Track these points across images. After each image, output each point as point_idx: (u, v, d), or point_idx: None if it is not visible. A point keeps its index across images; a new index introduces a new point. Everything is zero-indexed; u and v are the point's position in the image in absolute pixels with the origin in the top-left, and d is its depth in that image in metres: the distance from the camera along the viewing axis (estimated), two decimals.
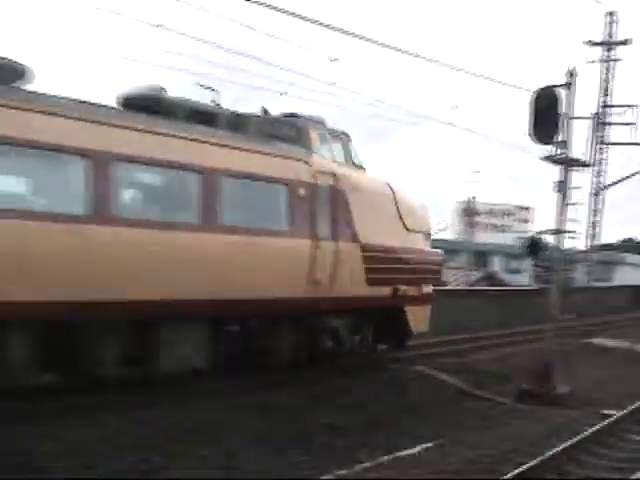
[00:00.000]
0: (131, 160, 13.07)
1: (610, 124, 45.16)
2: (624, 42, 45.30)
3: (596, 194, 45.03)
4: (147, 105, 14.34)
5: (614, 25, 45.31)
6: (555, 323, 17.74)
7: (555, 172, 17.85)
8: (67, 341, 12.73)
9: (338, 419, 13.72)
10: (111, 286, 12.43)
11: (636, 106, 44.40)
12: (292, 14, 15.48)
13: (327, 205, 16.61)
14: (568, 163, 17.95)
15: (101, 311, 12.49)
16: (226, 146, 14.80)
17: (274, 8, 14.89)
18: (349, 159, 18.18)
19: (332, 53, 21.78)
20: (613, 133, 45.93)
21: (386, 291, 18.09)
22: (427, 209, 21.11)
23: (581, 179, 18.33)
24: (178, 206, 14.31)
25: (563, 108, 17.53)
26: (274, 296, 15.23)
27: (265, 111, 17.47)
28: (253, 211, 15.51)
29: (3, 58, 12.56)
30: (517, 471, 11.01)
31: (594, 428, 14.13)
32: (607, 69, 46.03)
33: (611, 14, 45.08)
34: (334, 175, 16.95)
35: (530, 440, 13.48)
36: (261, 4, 14.71)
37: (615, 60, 45.64)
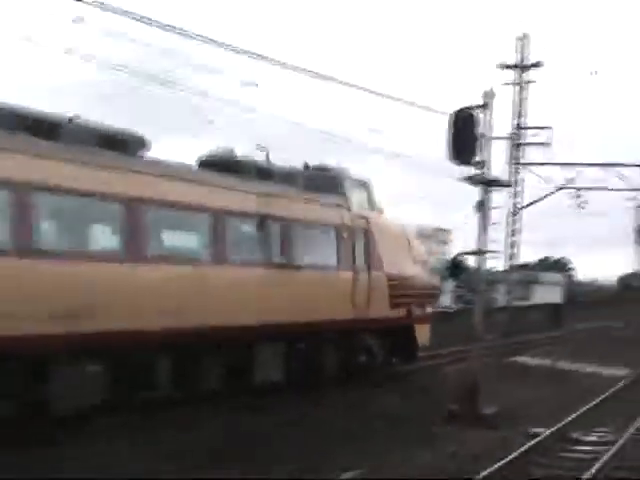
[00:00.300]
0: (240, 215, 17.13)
1: (525, 145, 45.79)
2: (536, 64, 46.08)
3: (514, 214, 45.51)
4: (227, 166, 17.49)
5: (526, 48, 46.07)
6: (480, 343, 17.72)
7: (473, 194, 18.01)
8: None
9: None
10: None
11: (550, 127, 45.28)
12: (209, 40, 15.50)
13: (362, 243, 20.75)
14: (488, 183, 18.04)
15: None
16: (301, 200, 19.12)
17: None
18: (373, 203, 22.06)
19: (248, 77, 21.27)
20: (527, 154, 46.59)
21: (403, 312, 22.14)
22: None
23: (498, 200, 18.43)
24: (274, 250, 17.94)
25: (481, 129, 17.61)
26: (331, 318, 18.98)
27: (307, 166, 20.82)
28: (317, 250, 19.53)
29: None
30: None
31: (523, 447, 14.09)
32: (519, 91, 46.70)
33: (523, 37, 45.86)
34: (366, 218, 21.08)
35: (458, 463, 13.38)
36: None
37: (528, 82, 46.38)
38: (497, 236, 18.93)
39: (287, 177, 19.39)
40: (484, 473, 12.04)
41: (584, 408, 18.72)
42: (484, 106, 17.80)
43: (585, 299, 74.83)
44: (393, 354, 22.74)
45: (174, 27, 16.04)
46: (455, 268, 18.22)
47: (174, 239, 16.30)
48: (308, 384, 18.38)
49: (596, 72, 28.36)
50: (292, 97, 23.41)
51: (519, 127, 45.93)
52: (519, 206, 46.36)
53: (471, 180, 18.02)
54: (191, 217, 16.07)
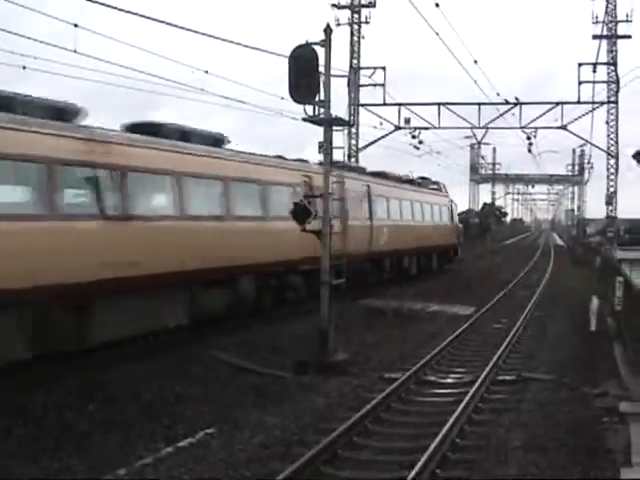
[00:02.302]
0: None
1: (361, 86, 45.67)
2: (369, 5, 45.85)
3: (349, 156, 45.30)
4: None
5: None
6: (328, 288, 17.06)
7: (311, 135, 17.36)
8: None
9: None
10: None
11: (383, 67, 45.24)
12: None
13: (451, 213, 46.95)
14: (330, 123, 17.31)
15: None
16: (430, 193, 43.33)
17: None
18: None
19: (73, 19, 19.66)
20: (363, 95, 46.53)
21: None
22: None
23: (338, 141, 17.80)
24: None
25: (321, 67, 16.82)
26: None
27: (422, 178, 44.26)
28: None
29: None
30: (310, 453, 10.20)
31: (381, 395, 13.58)
32: (352, 32, 46.40)
33: None
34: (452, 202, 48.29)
35: (317, 415, 12.76)
36: None
37: (361, 23, 46.10)
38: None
39: (418, 184, 41.01)
40: (341, 427, 11.43)
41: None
42: (323, 43, 16.94)
43: None
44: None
45: None
46: (300, 213, 17.31)
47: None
48: None
49: (437, 4, 27.46)
50: (119, 40, 21.59)
51: (353, 67, 45.69)
52: (357, 147, 46.32)
53: (313, 120, 17.25)
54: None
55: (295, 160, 25.72)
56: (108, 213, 15.84)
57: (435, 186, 45.43)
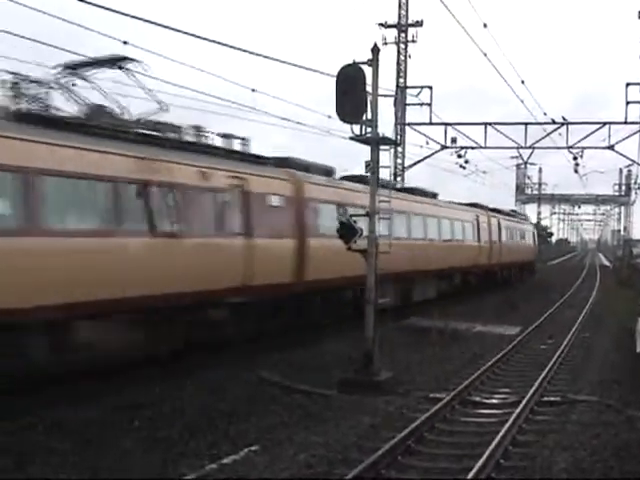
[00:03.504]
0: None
1: (407, 105, 45.75)
2: (416, 24, 45.93)
3: (395, 175, 45.34)
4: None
5: (405, 7, 45.82)
6: (374, 307, 17.10)
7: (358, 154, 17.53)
8: None
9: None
10: None
11: (430, 87, 45.29)
12: None
13: (533, 237, 61.73)
14: (377, 142, 17.41)
15: None
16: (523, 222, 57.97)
17: None
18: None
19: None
20: (409, 114, 46.62)
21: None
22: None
23: (384, 160, 17.81)
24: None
25: (368, 86, 16.94)
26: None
27: (513, 211, 55.16)
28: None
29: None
30: (354, 472, 10.24)
31: (425, 415, 13.60)
32: (398, 51, 46.47)
33: None
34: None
35: (361, 434, 12.78)
36: None
37: (407, 42, 46.17)
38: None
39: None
40: (385, 447, 11.46)
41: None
42: (371, 62, 17.06)
43: None
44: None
45: None
46: (346, 230, 17.39)
47: None
48: None
49: (485, 25, 27.50)
50: (167, 57, 21.85)
51: (399, 87, 45.76)
52: (403, 166, 46.36)
53: (360, 139, 17.35)
54: None
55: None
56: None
57: (523, 217, 67.28)
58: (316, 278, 21.92)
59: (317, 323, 23.05)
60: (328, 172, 25.15)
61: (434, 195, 36.09)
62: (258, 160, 21.26)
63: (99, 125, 16.06)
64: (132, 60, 17.02)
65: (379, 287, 17.08)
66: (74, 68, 16.65)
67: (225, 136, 20.54)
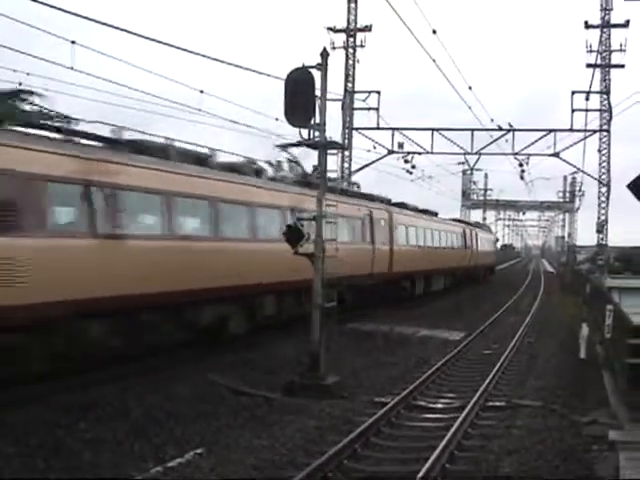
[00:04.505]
0: None
1: (355, 109, 45.84)
2: (365, 29, 46.04)
3: (342, 178, 45.40)
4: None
5: (354, 12, 45.92)
6: (320, 312, 17.05)
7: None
8: None
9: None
10: None
11: (378, 92, 45.43)
12: None
13: (494, 245, 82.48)
14: (325, 146, 17.39)
15: None
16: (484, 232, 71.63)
17: None
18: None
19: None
20: (356, 118, 46.71)
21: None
22: None
23: (331, 164, 18.00)
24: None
25: (317, 90, 16.91)
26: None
27: (477, 223, 70.51)
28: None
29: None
30: (300, 476, 10.19)
31: (371, 419, 13.59)
32: (347, 56, 46.52)
33: (351, 1, 45.68)
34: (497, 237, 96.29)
35: (307, 438, 12.76)
36: None
37: (356, 46, 46.26)
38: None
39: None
40: (331, 451, 11.44)
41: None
42: (320, 66, 17.03)
43: None
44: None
45: None
46: (293, 235, 17.31)
47: None
48: None
49: (435, 31, 27.59)
50: (116, 57, 21.58)
51: (347, 91, 45.83)
52: (350, 170, 46.43)
53: (307, 143, 17.32)
54: None
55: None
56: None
57: (487, 227, 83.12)
58: (398, 270, 34.96)
59: (406, 297, 38.20)
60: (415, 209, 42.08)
61: (436, 214, 48.44)
62: (376, 198, 35.22)
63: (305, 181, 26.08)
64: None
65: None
66: None
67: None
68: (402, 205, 38.82)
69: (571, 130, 44.86)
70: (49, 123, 16.10)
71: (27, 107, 16.20)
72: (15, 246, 13.54)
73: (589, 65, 47.32)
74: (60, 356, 15.02)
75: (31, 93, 16.58)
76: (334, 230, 18.74)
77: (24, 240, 13.75)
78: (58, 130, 16.15)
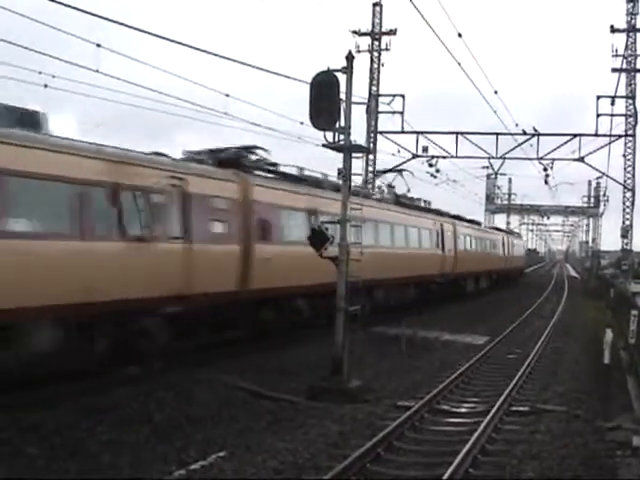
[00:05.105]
0: None
1: (380, 113, 45.83)
2: (389, 32, 46.03)
3: (366, 182, 45.39)
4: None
5: (379, 15, 45.92)
6: (344, 316, 17.05)
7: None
8: None
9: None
10: None
11: (403, 96, 45.41)
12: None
13: (523, 249, 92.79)
14: (350, 149, 17.40)
15: None
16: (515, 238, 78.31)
17: None
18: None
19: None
20: (381, 122, 46.70)
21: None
22: None
23: (356, 167, 18.28)
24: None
25: (342, 93, 16.93)
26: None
27: (510, 231, 76.99)
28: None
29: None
30: (324, 479, 10.20)
31: (395, 423, 13.58)
32: (371, 59, 46.53)
33: (376, 4, 45.67)
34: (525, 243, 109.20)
35: (330, 441, 12.74)
36: None
37: (381, 50, 46.24)
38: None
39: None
40: (354, 454, 11.43)
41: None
42: (345, 69, 17.06)
43: None
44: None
45: None
46: (316, 238, 17.34)
47: None
48: None
49: (460, 34, 27.47)
50: (141, 61, 21.69)
51: (372, 95, 45.81)
52: (374, 174, 46.40)
53: (333, 146, 17.34)
54: None
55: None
56: None
57: (518, 234, 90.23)
58: (460, 271, 42.72)
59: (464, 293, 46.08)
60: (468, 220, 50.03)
61: (480, 223, 58.97)
62: (444, 213, 42.48)
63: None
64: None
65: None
66: None
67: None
68: (459, 217, 46.38)
69: (596, 135, 44.69)
70: (271, 168, 23.12)
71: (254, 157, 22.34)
72: (273, 251, 21.18)
73: (614, 69, 47.17)
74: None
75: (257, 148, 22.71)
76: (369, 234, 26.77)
77: (272, 246, 21.27)
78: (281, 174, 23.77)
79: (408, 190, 38.54)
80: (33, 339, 14.17)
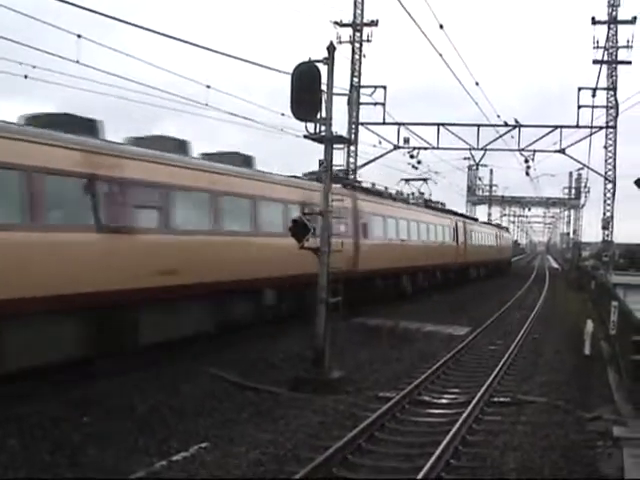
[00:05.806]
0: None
1: (361, 104, 45.70)
2: (371, 23, 45.96)
3: (347, 173, 45.23)
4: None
5: (360, 6, 45.86)
6: (325, 306, 17.04)
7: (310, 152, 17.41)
8: None
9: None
10: None
11: (384, 87, 45.37)
12: None
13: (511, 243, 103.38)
14: (332, 140, 17.37)
15: None
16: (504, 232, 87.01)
17: None
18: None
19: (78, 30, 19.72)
20: (362, 113, 46.61)
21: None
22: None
23: (337, 158, 18.18)
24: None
25: (324, 84, 16.89)
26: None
27: (500, 225, 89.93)
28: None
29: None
30: (305, 470, 10.20)
31: (376, 414, 13.59)
32: (353, 50, 46.41)
33: None
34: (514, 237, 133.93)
35: (311, 432, 12.75)
36: None
37: (362, 41, 46.15)
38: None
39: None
40: (335, 445, 11.44)
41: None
42: (326, 60, 17.00)
43: None
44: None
45: None
46: (298, 229, 17.32)
47: None
48: None
49: (442, 26, 27.38)
50: (122, 52, 21.49)
51: (353, 86, 45.72)
52: (356, 165, 46.39)
53: (314, 137, 17.29)
54: None
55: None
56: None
57: (506, 229, 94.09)
58: (469, 260, 52.54)
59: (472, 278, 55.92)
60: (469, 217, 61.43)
61: (476, 219, 68.06)
62: (458, 213, 51.34)
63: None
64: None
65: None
66: None
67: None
68: (464, 215, 58.19)
69: (577, 126, 44.78)
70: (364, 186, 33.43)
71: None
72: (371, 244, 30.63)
73: (596, 61, 47.23)
74: None
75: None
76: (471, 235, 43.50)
77: (370, 241, 30.61)
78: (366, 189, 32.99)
79: (430, 194, 47.44)
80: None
